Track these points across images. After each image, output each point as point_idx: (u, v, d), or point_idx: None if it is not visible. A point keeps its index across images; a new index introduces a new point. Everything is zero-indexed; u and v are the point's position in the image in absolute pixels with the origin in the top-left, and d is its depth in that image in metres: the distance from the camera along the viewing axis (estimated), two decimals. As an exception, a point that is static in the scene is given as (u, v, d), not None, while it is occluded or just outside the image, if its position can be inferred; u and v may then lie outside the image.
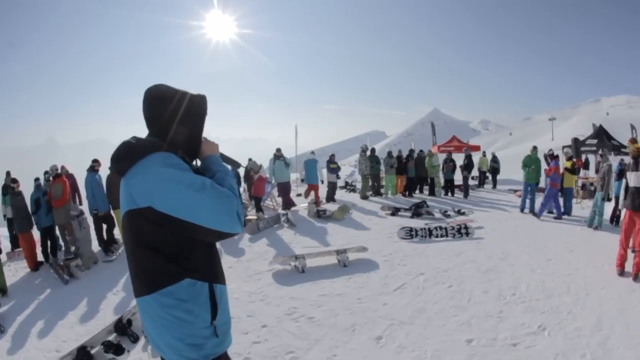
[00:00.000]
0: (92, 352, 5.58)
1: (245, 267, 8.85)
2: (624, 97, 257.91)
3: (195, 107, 2.19)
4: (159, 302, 1.96)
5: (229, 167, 2.37)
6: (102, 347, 5.60)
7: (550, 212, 13.32)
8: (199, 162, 2.31)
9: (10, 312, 7.87)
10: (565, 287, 7.02)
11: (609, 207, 12.21)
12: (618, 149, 19.96)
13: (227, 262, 9.27)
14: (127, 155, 1.99)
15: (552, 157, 14.05)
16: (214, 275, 2.12)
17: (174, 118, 2.11)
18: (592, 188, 15.95)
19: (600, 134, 20.90)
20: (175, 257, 1.96)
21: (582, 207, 14.59)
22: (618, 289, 6.96)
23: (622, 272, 7.64)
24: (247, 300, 7.06)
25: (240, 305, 6.81)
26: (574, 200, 14.17)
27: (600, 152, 12.68)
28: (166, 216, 1.86)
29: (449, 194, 18.88)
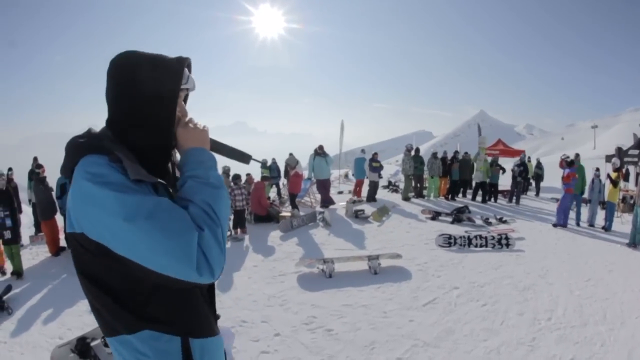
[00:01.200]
0: (92, 344, 5.28)
1: (271, 267, 8.51)
2: None
3: (158, 77, 1.46)
4: (116, 348, 1.43)
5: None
6: (102, 340, 5.29)
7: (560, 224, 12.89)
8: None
9: (22, 295, 7.70)
10: (602, 314, 6.58)
11: None
12: None
13: (253, 260, 9.03)
14: (65, 159, 1.45)
15: (568, 163, 13.60)
16: (190, 327, 1.50)
17: (121, 95, 1.48)
18: (632, 201, 15.10)
19: None
20: (127, 300, 1.40)
21: (622, 222, 13.85)
22: None
23: None
24: (265, 304, 6.72)
25: (257, 308, 6.52)
26: (615, 214, 13.43)
27: None
28: (102, 247, 1.29)
29: (492, 199, 18.05)
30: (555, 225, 12.72)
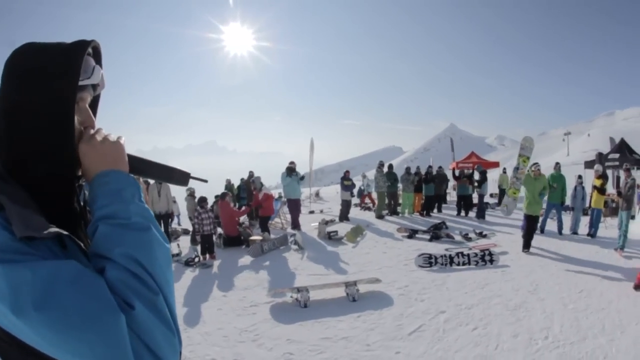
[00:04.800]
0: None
1: (242, 297, 7.92)
2: (636, 109, 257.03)
3: (43, 72, 0.98)
4: None
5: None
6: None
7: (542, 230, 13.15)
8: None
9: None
10: (600, 326, 6.38)
11: (633, 226, 11.64)
12: None
13: (222, 289, 8.50)
14: None
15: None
16: None
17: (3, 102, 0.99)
18: (614, 205, 15.39)
19: (623, 147, 20.05)
20: None
21: (605, 227, 13.82)
22: None
23: (637, 287, 7.77)
24: (237, 340, 6.10)
25: (228, 345, 5.93)
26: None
27: (625, 166, 11.91)
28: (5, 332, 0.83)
29: (462, 212, 17.93)
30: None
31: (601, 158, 19.80)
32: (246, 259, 10.66)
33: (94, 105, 1.18)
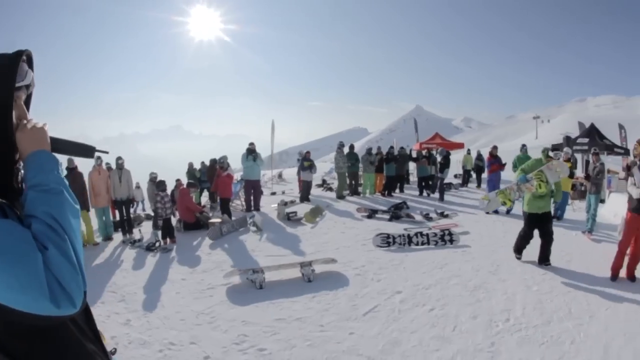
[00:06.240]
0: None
1: (199, 280, 7.95)
2: (609, 97, 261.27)
3: None
4: None
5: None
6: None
7: (496, 211, 12.96)
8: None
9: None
10: (566, 309, 6.26)
11: (602, 210, 11.86)
12: (611, 148, 19.41)
13: (180, 273, 8.50)
14: None
15: (492, 156, 14.28)
16: None
17: None
18: (582, 188, 15.54)
19: (592, 132, 20.21)
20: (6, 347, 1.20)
21: (573, 209, 13.68)
22: (624, 308, 6.32)
23: (613, 278, 7.44)
24: (194, 323, 6.15)
25: (185, 328, 5.96)
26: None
27: (592, 151, 12.11)
28: None
29: (425, 193, 18.06)
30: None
31: (569, 142, 19.93)
32: (206, 242, 10.70)
33: (27, 101, 1.46)
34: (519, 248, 8.71)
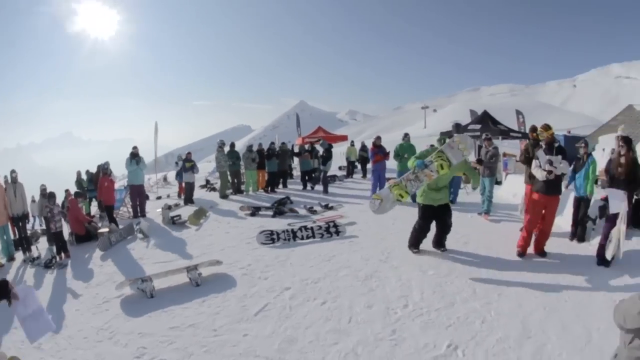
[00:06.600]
0: None
1: (95, 294, 7.89)
2: (506, 85, 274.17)
3: None
4: None
5: None
6: None
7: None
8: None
9: None
10: (470, 290, 6.38)
11: (498, 191, 12.90)
12: (506, 133, 20.45)
13: (77, 288, 8.39)
14: None
15: (376, 146, 14.73)
16: None
17: None
18: (477, 171, 16.46)
19: (485, 118, 20.86)
20: None
21: (467, 193, 13.16)
22: (538, 283, 6.57)
23: (522, 254, 7.73)
24: (95, 340, 6.08)
25: (89, 346, 5.92)
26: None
27: (484, 135, 12.97)
28: None
29: (308, 187, 18.67)
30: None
31: (459, 128, 20.42)
32: (97, 254, 10.53)
33: None
34: (415, 242, 8.38)
